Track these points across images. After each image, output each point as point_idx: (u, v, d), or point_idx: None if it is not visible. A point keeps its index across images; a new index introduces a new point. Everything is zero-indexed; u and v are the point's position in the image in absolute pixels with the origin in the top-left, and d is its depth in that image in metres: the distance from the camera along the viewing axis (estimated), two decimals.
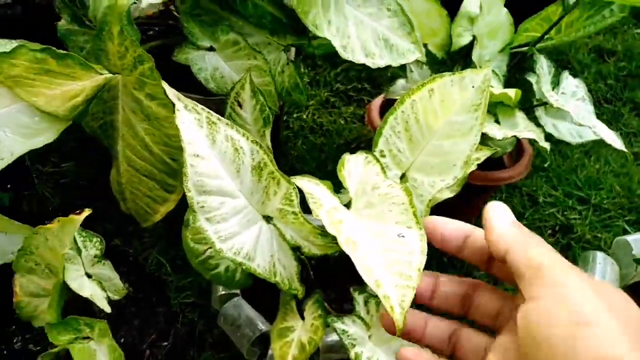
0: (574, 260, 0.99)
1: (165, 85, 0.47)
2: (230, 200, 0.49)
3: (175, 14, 0.87)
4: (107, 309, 0.51)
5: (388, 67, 1.21)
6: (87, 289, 0.51)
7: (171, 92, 0.47)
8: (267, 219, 0.52)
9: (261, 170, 0.49)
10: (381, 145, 0.55)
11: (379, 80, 1.26)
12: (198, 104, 0.47)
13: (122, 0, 0.51)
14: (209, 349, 0.80)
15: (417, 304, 0.39)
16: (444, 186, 0.55)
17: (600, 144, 1.17)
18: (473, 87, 0.52)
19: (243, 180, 0.49)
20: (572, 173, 1.10)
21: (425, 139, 0.54)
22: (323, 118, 1.16)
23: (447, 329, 0.37)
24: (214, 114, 0.48)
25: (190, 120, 0.46)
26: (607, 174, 1.10)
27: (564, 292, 0.27)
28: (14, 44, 0.57)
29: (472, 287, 0.37)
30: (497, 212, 0.33)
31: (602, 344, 0.25)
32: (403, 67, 1.24)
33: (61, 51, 0.56)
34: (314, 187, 0.52)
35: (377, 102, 0.93)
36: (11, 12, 1.00)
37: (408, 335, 0.39)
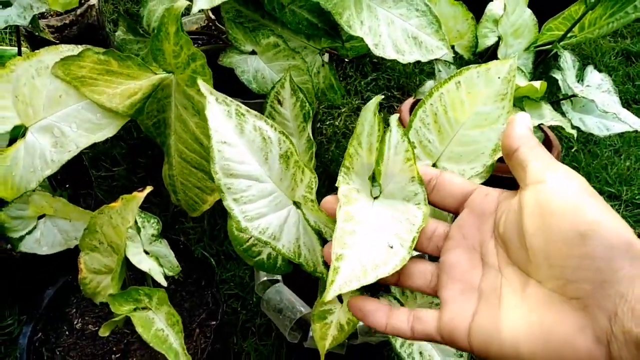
0: None
1: (199, 81, 0.52)
2: (257, 184, 0.53)
3: (218, 25, 0.94)
4: (164, 282, 0.56)
5: (416, 75, 1.25)
6: (145, 263, 0.56)
7: (204, 86, 0.51)
8: (296, 204, 0.56)
9: (288, 158, 0.53)
10: (412, 137, 0.59)
11: (407, 88, 1.30)
12: (228, 97, 0.51)
13: (179, 3, 0.57)
14: (251, 336, 0.84)
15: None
16: (474, 174, 0.58)
17: (629, 142, 1.18)
18: (499, 77, 0.55)
19: (272, 167, 0.53)
20: (602, 171, 1.12)
21: (453, 130, 0.57)
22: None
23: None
24: (243, 106, 0.52)
25: (219, 111, 0.50)
26: (637, 170, 1.11)
27: (571, 174, 0.32)
28: (80, 48, 0.64)
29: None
30: (520, 117, 0.38)
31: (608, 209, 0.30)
32: (431, 73, 1.28)
33: (122, 53, 0.62)
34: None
35: (408, 103, 0.97)
36: (68, 31, 1.09)
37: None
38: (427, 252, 0.40)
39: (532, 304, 0.32)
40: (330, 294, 0.37)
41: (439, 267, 0.38)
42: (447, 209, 0.42)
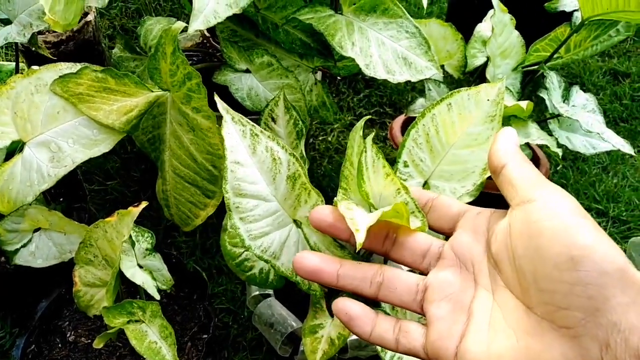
0: None
1: (217, 99, 0.53)
2: (264, 204, 0.55)
3: (213, 43, 0.95)
4: (157, 296, 0.57)
5: (407, 92, 1.28)
6: (139, 277, 0.57)
7: (222, 105, 0.53)
8: (297, 223, 0.58)
9: (295, 180, 0.54)
10: (404, 156, 0.61)
11: (399, 105, 1.33)
12: (244, 117, 0.53)
13: (176, 25, 0.58)
14: (242, 350, 0.85)
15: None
16: (465, 192, 0.60)
17: (617, 159, 1.20)
18: (488, 100, 0.57)
19: (278, 187, 0.55)
20: (590, 187, 1.14)
21: (444, 149, 0.59)
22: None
23: (370, 268, 0.38)
24: (257, 126, 0.54)
25: (235, 131, 0.52)
26: (624, 187, 1.13)
27: (560, 193, 0.31)
28: (78, 66, 0.65)
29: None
30: (506, 133, 0.37)
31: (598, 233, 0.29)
32: (422, 90, 1.31)
33: (119, 71, 0.64)
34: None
35: (399, 120, 0.99)
36: (65, 47, 1.11)
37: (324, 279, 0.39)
38: (420, 269, 0.39)
39: (521, 331, 0.31)
40: (360, 236, 0.35)
41: (428, 282, 0.36)
42: (442, 231, 0.41)
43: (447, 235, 0.40)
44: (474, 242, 0.36)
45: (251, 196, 0.52)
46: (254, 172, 0.52)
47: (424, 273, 0.39)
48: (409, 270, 0.42)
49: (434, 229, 0.43)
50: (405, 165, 0.59)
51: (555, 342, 0.29)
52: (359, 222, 0.40)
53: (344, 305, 0.37)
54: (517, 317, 0.31)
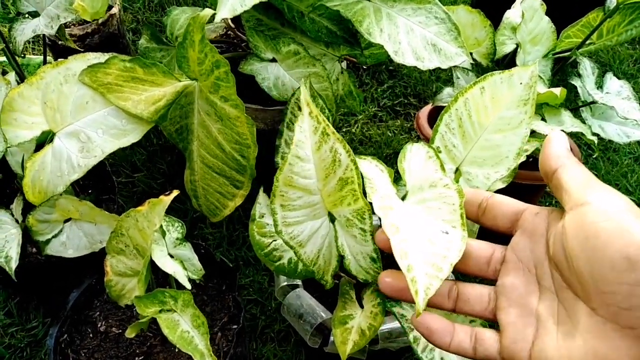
0: None
1: (303, 89, 0.51)
2: (307, 196, 0.54)
3: (238, 33, 0.95)
4: (188, 285, 0.57)
5: (432, 82, 1.26)
6: (170, 266, 0.57)
7: (304, 97, 0.51)
8: (331, 217, 0.57)
9: (345, 183, 0.53)
10: (437, 142, 0.60)
11: (424, 95, 1.31)
12: (321, 114, 0.52)
13: (204, 12, 0.58)
14: (270, 342, 0.84)
15: None
16: (498, 177, 0.58)
17: None
18: (521, 83, 0.56)
19: (327, 183, 0.54)
20: (622, 178, 1.11)
21: (477, 134, 0.58)
22: (372, 131, 1.22)
23: (446, 285, 0.41)
24: (331, 126, 0.52)
25: (308, 126, 0.50)
26: None
27: (614, 194, 0.31)
28: (106, 56, 0.65)
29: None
30: (556, 137, 0.37)
31: None
32: (448, 80, 1.29)
33: (147, 60, 0.64)
34: (375, 173, 0.57)
35: (426, 110, 0.97)
36: (90, 40, 1.11)
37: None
38: (487, 276, 0.41)
39: (586, 332, 0.31)
40: (421, 304, 0.37)
41: (497, 290, 0.38)
42: (499, 231, 0.41)
43: (505, 234, 0.41)
44: (534, 244, 0.37)
45: (299, 188, 0.51)
46: (311, 168, 0.51)
47: (492, 280, 0.40)
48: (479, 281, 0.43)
49: (490, 229, 0.43)
50: (438, 151, 0.58)
51: (621, 343, 0.29)
52: (420, 291, 0.40)
53: (425, 320, 0.39)
54: (582, 319, 0.32)
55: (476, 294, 0.40)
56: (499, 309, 0.37)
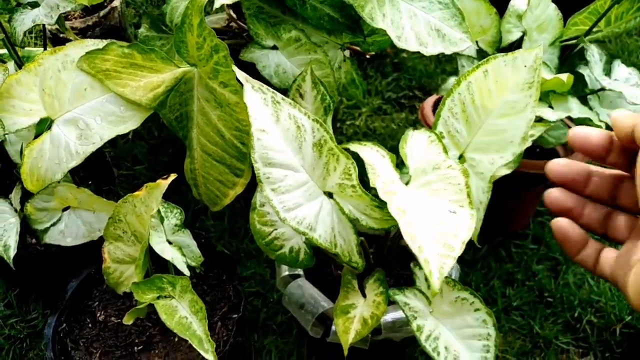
0: None
1: (235, 68, 0.52)
2: (292, 174, 0.53)
3: (239, 23, 0.94)
4: (186, 271, 0.56)
5: (437, 75, 1.25)
6: (168, 252, 0.56)
7: (240, 74, 0.52)
8: (328, 195, 0.56)
9: (321, 147, 0.53)
10: (440, 127, 0.58)
11: (429, 88, 1.29)
12: (264, 85, 0.52)
13: None
14: (272, 333, 0.83)
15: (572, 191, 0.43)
16: (503, 163, 0.57)
17: None
18: (525, 66, 0.55)
19: (305, 156, 0.53)
20: None
21: (481, 119, 0.57)
22: (376, 123, 1.21)
23: (602, 212, 0.42)
24: (278, 94, 0.53)
25: (256, 98, 0.51)
26: None
27: None
28: (104, 42, 0.64)
29: (620, 178, 0.41)
30: (622, 110, 0.37)
31: None
32: (453, 73, 1.27)
33: (145, 46, 0.63)
34: (377, 159, 0.56)
35: (431, 100, 0.96)
36: (91, 33, 1.11)
37: (569, 214, 0.43)
38: None
39: None
40: (436, 284, 0.39)
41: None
42: None
43: None
44: None
45: (280, 165, 0.51)
46: (279, 140, 0.51)
47: None
48: None
49: None
50: (441, 136, 0.57)
51: None
52: (434, 272, 0.41)
53: (563, 226, 0.42)
54: None
55: (623, 224, 0.41)
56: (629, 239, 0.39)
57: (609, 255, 0.40)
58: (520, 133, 0.55)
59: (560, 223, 0.42)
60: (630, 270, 0.36)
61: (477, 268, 0.96)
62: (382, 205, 0.52)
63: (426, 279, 0.65)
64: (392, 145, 1.16)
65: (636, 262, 0.36)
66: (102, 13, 1.12)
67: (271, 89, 0.51)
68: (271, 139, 0.50)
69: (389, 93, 1.28)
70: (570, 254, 0.42)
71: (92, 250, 0.69)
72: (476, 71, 0.56)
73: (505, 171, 0.66)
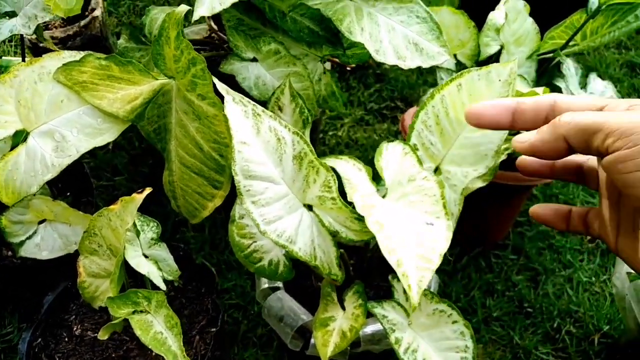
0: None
1: (215, 80, 0.53)
2: (273, 186, 0.53)
3: (220, 35, 0.94)
4: (163, 286, 0.56)
5: (419, 86, 1.26)
6: (144, 267, 0.55)
7: (221, 86, 0.52)
8: (308, 207, 0.56)
9: (302, 159, 0.53)
10: (414, 139, 0.59)
11: (411, 99, 1.30)
12: (245, 97, 0.52)
13: (180, 8, 0.57)
14: (252, 346, 0.83)
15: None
16: (477, 175, 0.57)
17: None
18: (500, 80, 0.55)
19: (285, 168, 0.53)
20: None
21: (455, 132, 0.57)
22: (358, 134, 1.21)
23: (575, 164, 0.44)
24: (259, 106, 0.53)
25: (237, 111, 0.51)
26: None
27: None
28: (81, 54, 0.64)
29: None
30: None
31: None
32: (435, 84, 1.28)
33: (123, 58, 0.63)
34: (353, 173, 0.56)
35: (412, 111, 0.97)
36: (72, 43, 1.10)
37: (539, 174, 0.45)
38: None
39: None
40: (415, 298, 0.40)
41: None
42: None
43: None
44: None
45: (260, 178, 0.51)
46: (260, 152, 0.51)
47: None
48: None
49: None
50: (415, 149, 0.57)
51: None
52: (412, 285, 0.41)
53: (540, 212, 0.45)
54: None
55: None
56: (599, 196, 0.41)
57: (593, 215, 0.42)
58: (494, 147, 0.56)
59: (537, 210, 0.45)
60: (614, 234, 0.39)
61: (457, 279, 0.96)
62: (361, 217, 0.52)
63: (404, 292, 0.65)
64: (374, 156, 1.16)
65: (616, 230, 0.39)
66: (82, 23, 1.11)
67: (252, 101, 0.51)
68: (252, 152, 0.50)
69: (371, 104, 1.29)
70: (561, 229, 0.44)
71: (68, 263, 0.68)
72: (450, 85, 0.56)
73: (480, 183, 0.66)
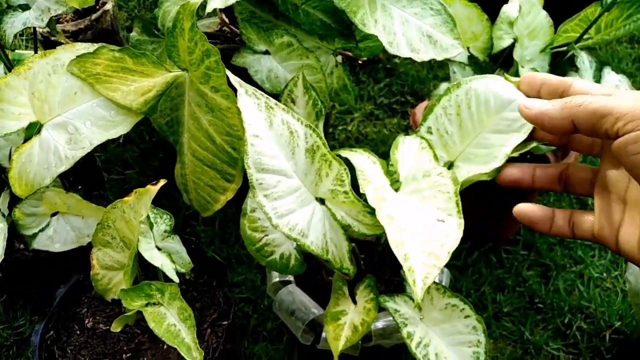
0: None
1: (229, 72, 0.52)
2: (285, 180, 0.53)
3: (232, 28, 0.94)
4: (176, 278, 0.56)
5: (429, 80, 1.25)
6: (157, 259, 0.55)
7: (234, 79, 0.52)
8: (320, 201, 0.56)
9: (314, 152, 0.53)
10: (430, 122, 0.57)
11: (421, 93, 1.30)
12: (258, 90, 0.52)
13: (194, 0, 0.57)
14: (262, 340, 0.83)
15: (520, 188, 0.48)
16: (482, 172, 0.56)
17: None
18: None
19: (297, 161, 0.53)
20: None
21: (475, 131, 0.56)
22: (368, 129, 1.21)
23: (556, 171, 0.46)
24: (271, 99, 0.52)
25: (250, 103, 0.51)
26: None
27: None
28: (95, 46, 0.64)
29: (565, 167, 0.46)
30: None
31: None
32: (445, 79, 1.28)
33: (137, 50, 0.63)
34: (367, 165, 0.56)
35: (423, 105, 0.96)
36: (83, 36, 1.10)
37: (519, 185, 0.48)
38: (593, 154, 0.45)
39: None
40: (419, 293, 0.39)
41: (598, 175, 0.43)
42: None
43: None
44: None
45: (273, 171, 0.50)
46: (273, 146, 0.50)
47: None
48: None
49: None
50: (429, 132, 0.55)
51: None
52: (418, 280, 0.41)
53: (525, 210, 0.46)
54: None
55: (579, 177, 0.44)
56: (596, 193, 0.42)
57: (582, 218, 0.43)
58: (507, 151, 0.54)
59: (521, 209, 0.46)
60: (615, 230, 0.40)
61: (467, 274, 0.96)
62: (373, 211, 0.52)
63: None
64: (384, 150, 1.16)
65: (619, 222, 0.40)
66: (94, 16, 1.12)
67: (265, 94, 0.51)
68: (265, 145, 0.50)
69: (381, 98, 1.28)
70: (544, 231, 0.45)
71: (79, 256, 0.68)
72: (478, 79, 0.55)
73: (486, 177, 0.65)
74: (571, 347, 0.88)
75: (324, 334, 0.70)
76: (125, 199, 0.53)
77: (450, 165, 0.58)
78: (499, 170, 0.54)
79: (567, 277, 0.97)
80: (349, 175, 0.53)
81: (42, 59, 0.63)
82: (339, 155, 0.54)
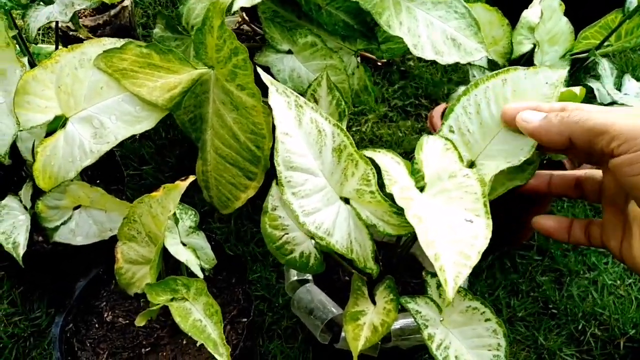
0: None
1: (259, 70, 0.53)
2: (312, 178, 0.53)
3: (252, 26, 0.94)
4: (200, 274, 0.56)
5: (444, 84, 1.25)
6: (183, 254, 0.56)
7: (265, 77, 0.52)
8: (345, 200, 0.56)
9: (341, 152, 0.53)
10: (451, 121, 0.57)
11: (435, 97, 1.30)
12: (288, 89, 0.52)
13: None
14: (277, 338, 0.83)
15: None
16: (508, 166, 0.56)
17: None
18: (547, 83, 0.54)
19: (324, 160, 0.53)
20: None
21: (497, 127, 0.56)
22: (382, 130, 1.21)
23: (571, 178, 0.47)
24: (301, 97, 0.53)
25: (281, 101, 0.51)
26: None
27: None
28: (122, 41, 0.64)
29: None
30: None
31: None
32: (459, 82, 1.28)
33: (164, 47, 0.63)
34: (392, 165, 0.56)
35: (440, 108, 0.96)
36: (101, 32, 1.11)
37: (536, 192, 0.50)
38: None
39: None
40: (450, 293, 0.40)
41: (602, 186, 0.45)
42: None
43: None
44: None
45: (301, 170, 0.51)
46: (302, 144, 0.51)
47: None
48: None
49: None
50: (451, 131, 0.56)
51: None
52: (449, 280, 0.41)
53: (543, 223, 0.48)
54: None
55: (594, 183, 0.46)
56: (602, 202, 0.44)
57: (595, 227, 0.45)
58: (531, 142, 0.54)
59: (540, 221, 0.48)
60: (619, 242, 0.42)
61: (482, 278, 0.96)
62: (400, 211, 0.52)
63: (438, 288, 0.65)
64: (398, 152, 1.16)
65: (621, 234, 0.41)
66: (112, 12, 1.12)
67: (294, 92, 0.51)
68: (294, 143, 0.50)
69: (395, 101, 1.28)
70: (562, 240, 0.47)
71: (100, 249, 0.68)
72: (495, 78, 0.55)
73: (518, 183, 0.65)
74: (585, 353, 0.88)
75: (343, 334, 0.70)
76: (153, 194, 0.53)
77: (471, 164, 0.58)
78: (534, 169, 0.54)
79: (581, 284, 0.97)
80: (376, 175, 0.53)
81: (69, 53, 0.63)
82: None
